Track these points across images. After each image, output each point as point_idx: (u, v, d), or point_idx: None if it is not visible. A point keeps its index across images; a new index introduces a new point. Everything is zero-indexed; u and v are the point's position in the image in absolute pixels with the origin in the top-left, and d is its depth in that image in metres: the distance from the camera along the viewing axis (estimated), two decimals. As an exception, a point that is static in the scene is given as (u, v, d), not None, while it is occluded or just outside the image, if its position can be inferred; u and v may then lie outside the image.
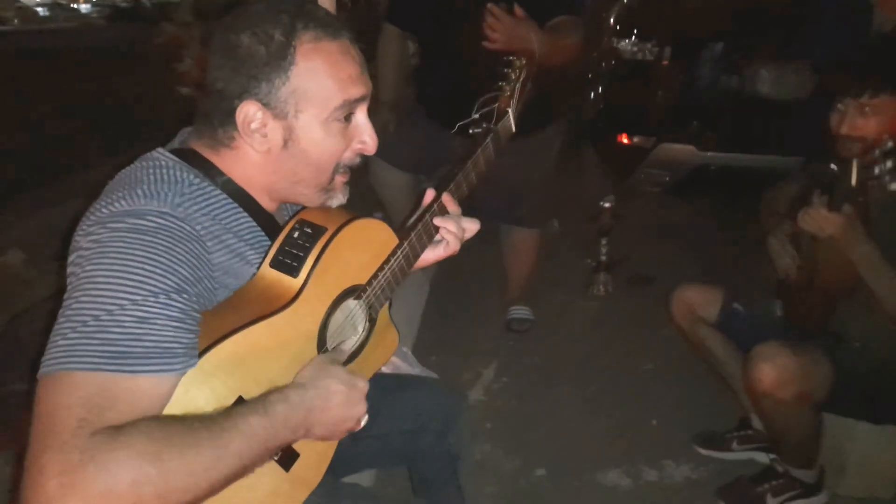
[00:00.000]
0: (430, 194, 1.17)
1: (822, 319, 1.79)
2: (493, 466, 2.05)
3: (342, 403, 0.92)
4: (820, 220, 1.57)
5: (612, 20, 3.56)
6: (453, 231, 1.15)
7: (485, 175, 1.23)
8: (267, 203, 1.01)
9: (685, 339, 2.10)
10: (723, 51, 3.51)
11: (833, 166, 1.78)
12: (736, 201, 3.64)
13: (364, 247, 1.04)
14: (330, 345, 1.01)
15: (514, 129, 1.27)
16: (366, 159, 1.07)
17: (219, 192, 0.95)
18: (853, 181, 1.51)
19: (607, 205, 3.05)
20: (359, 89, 0.96)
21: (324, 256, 0.95)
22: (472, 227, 1.19)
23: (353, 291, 1.04)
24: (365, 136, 1.01)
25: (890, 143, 1.43)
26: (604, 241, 3.06)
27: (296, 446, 0.94)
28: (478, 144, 1.22)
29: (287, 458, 0.94)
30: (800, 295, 1.83)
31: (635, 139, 3.46)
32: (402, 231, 1.12)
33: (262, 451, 0.81)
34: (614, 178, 3.59)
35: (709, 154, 3.35)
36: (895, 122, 1.61)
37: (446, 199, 1.16)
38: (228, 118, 0.93)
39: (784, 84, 3.34)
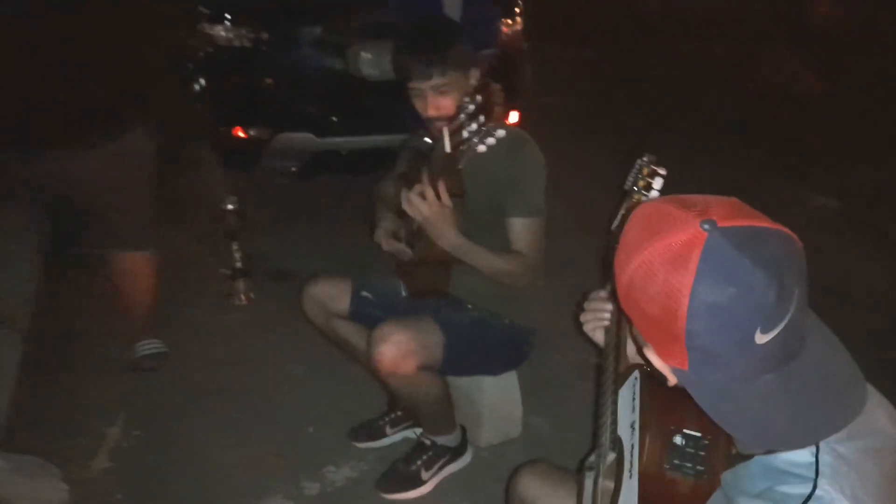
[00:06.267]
0: None
1: (439, 287, 1.86)
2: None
3: None
4: (418, 204, 1.59)
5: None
6: None
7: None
8: None
9: (324, 335, 2.02)
10: (321, 33, 3.50)
11: (427, 139, 1.84)
12: (362, 177, 3.73)
13: None
14: None
15: None
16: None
17: None
18: (447, 148, 1.55)
19: (230, 206, 2.81)
20: None
21: None
22: None
23: None
24: None
25: (471, 106, 1.48)
26: (235, 246, 2.82)
27: None
28: None
29: None
30: (415, 270, 1.88)
31: (251, 131, 3.26)
32: None
33: None
34: (235, 175, 3.35)
35: (327, 140, 3.33)
36: (467, 91, 1.69)
37: None
38: None
39: (383, 64, 3.47)
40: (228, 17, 3.21)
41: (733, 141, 4.55)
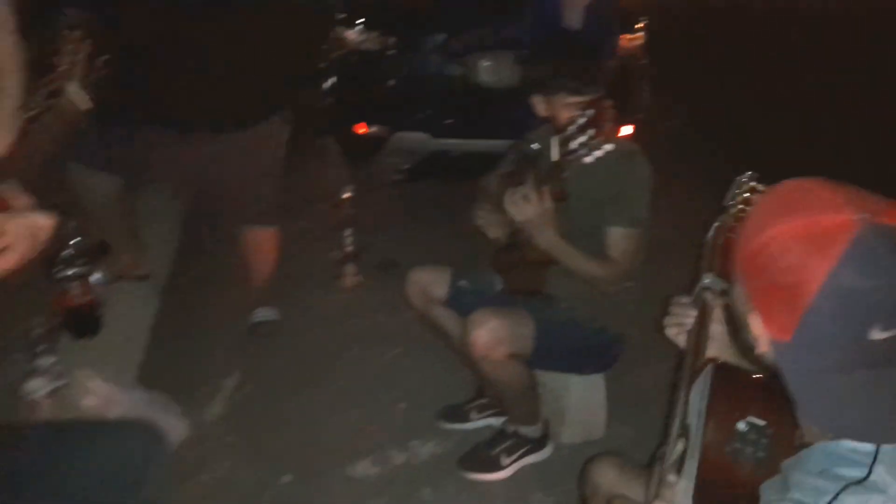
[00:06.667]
0: None
1: (535, 285, 1.94)
2: (235, 484, 1.92)
3: None
4: (521, 205, 1.69)
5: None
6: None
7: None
8: None
9: (422, 320, 2.15)
10: (445, 41, 3.68)
11: (535, 145, 1.93)
12: (468, 181, 3.86)
13: None
14: None
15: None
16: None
17: None
18: (554, 157, 1.64)
19: (346, 195, 3.03)
20: None
21: None
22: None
23: None
24: None
25: (582, 119, 1.57)
26: (348, 232, 3.03)
27: None
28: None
29: None
30: (514, 267, 1.97)
31: (371, 128, 3.49)
32: None
33: None
34: (354, 167, 3.59)
35: (442, 141, 3.50)
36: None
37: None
38: None
39: (500, 73, 3.60)
40: (361, 22, 3.46)
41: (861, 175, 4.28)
